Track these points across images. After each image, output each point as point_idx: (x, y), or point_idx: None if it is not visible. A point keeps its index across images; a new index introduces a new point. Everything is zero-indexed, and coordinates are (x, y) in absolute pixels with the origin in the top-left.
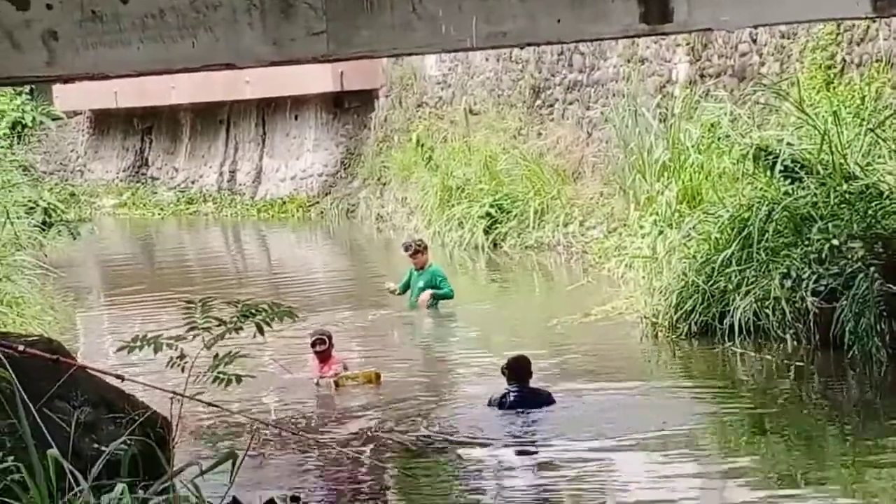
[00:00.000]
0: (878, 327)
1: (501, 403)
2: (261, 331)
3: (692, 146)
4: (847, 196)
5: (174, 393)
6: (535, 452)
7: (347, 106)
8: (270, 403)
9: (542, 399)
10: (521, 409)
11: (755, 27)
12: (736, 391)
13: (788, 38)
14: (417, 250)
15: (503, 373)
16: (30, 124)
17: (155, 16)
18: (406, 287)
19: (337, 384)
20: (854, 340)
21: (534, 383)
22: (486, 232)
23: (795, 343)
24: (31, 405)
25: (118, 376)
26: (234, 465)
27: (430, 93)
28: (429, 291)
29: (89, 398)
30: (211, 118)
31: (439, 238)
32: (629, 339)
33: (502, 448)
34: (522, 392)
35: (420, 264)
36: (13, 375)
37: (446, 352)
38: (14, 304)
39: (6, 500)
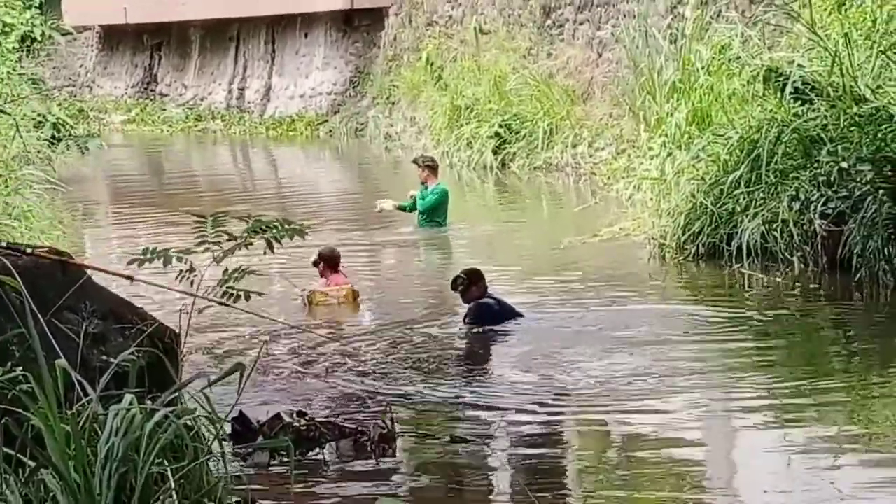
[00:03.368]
0: (886, 250)
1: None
2: (271, 247)
3: (702, 67)
4: (857, 118)
5: (184, 292)
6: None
7: (357, 24)
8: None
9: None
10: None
11: None
12: (741, 312)
13: None
14: (426, 165)
15: (457, 287)
16: (39, 39)
17: None
18: (413, 207)
19: (310, 301)
20: (861, 263)
21: (532, 302)
22: (495, 152)
23: (803, 265)
24: (39, 316)
25: (127, 277)
26: (241, 377)
27: (440, 11)
28: (411, 192)
29: (98, 310)
30: (220, 35)
31: (448, 158)
32: (636, 261)
33: (500, 365)
34: (500, 302)
35: (423, 180)
36: (22, 285)
37: (446, 271)
38: (23, 217)
39: (15, 409)
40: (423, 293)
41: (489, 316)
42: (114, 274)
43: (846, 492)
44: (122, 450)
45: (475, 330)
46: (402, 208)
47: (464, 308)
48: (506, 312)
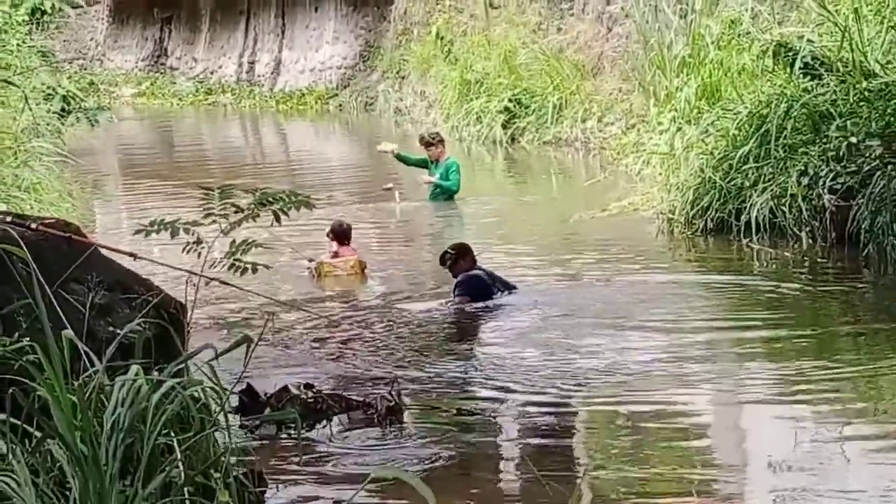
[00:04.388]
0: (894, 226)
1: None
2: (277, 218)
3: (712, 42)
4: (866, 94)
5: (187, 271)
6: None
7: None
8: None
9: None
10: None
11: None
12: (750, 286)
13: None
14: (430, 143)
15: (445, 262)
16: (49, 11)
17: None
18: (420, 163)
19: (318, 272)
20: (870, 239)
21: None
22: (505, 126)
23: (811, 241)
24: (46, 287)
25: (130, 254)
26: (247, 350)
27: None
28: (426, 175)
29: (104, 281)
30: (231, 8)
31: (457, 132)
32: (645, 235)
33: (506, 340)
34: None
35: (435, 157)
36: (29, 256)
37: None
38: (32, 189)
39: (22, 379)
40: (431, 267)
41: (479, 287)
42: (116, 251)
43: (854, 470)
44: (129, 420)
45: (468, 304)
46: (401, 158)
47: None
48: (497, 284)
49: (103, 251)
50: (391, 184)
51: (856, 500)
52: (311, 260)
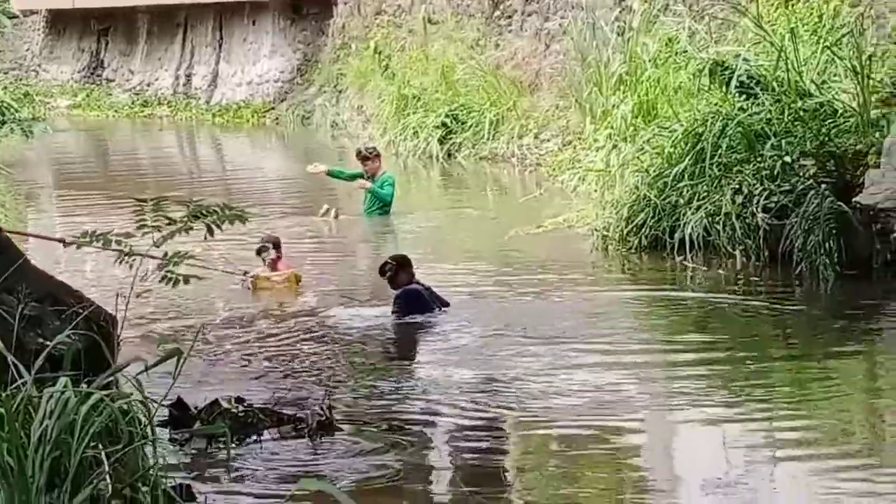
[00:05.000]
0: (827, 245)
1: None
2: (210, 231)
3: (649, 60)
4: (801, 113)
5: (123, 252)
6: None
7: (305, 12)
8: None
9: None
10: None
11: None
12: (682, 304)
13: None
14: (367, 157)
15: (385, 273)
16: None
17: None
18: (354, 177)
19: (254, 285)
20: (802, 257)
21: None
22: (441, 142)
23: (745, 259)
24: None
25: (60, 240)
26: (178, 362)
27: (388, 0)
28: (361, 181)
29: (35, 292)
30: (168, 21)
31: (394, 147)
32: (580, 252)
33: (438, 355)
34: (428, 289)
35: (371, 171)
36: None
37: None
38: None
39: None
40: (367, 281)
41: (417, 303)
42: (45, 238)
43: (786, 491)
44: (56, 433)
45: (404, 319)
46: (334, 174)
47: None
48: (433, 300)
49: (39, 259)
50: (326, 205)
51: None
52: (245, 273)
